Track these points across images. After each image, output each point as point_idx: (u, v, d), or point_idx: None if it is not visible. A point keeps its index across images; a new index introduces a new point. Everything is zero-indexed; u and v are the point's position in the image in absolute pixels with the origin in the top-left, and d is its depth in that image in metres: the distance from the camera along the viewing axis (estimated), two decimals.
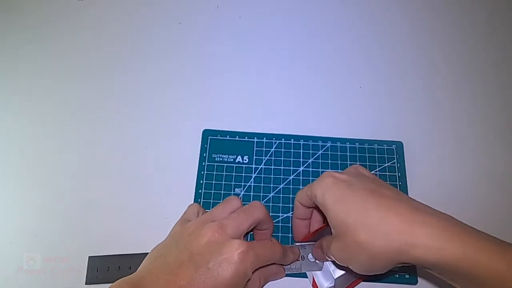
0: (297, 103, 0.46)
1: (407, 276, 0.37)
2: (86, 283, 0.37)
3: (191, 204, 0.36)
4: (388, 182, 0.41)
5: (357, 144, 0.43)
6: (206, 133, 0.44)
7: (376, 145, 0.43)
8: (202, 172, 0.42)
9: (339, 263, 0.31)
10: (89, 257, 0.38)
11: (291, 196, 0.41)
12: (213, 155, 0.43)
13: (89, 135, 0.44)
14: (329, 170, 0.35)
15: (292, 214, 0.38)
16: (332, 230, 0.30)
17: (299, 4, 0.53)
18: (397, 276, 0.37)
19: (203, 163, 0.43)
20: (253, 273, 0.30)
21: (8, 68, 0.48)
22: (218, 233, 0.30)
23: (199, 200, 0.41)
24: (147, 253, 0.32)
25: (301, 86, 0.47)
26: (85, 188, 0.42)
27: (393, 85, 0.48)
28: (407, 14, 0.52)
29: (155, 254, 0.32)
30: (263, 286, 0.35)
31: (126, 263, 0.38)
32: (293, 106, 0.46)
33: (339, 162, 0.43)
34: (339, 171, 0.35)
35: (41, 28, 0.51)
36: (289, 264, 0.35)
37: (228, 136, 0.44)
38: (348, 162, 0.43)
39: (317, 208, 0.33)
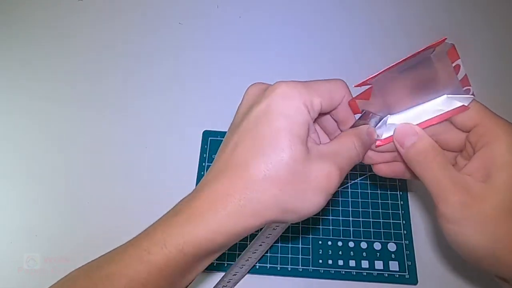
0: None
1: (407, 276, 0.37)
2: None
3: None
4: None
5: None
6: (206, 134, 0.44)
7: None
8: (202, 173, 0.42)
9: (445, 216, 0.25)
10: None
11: None
12: (213, 156, 0.43)
13: (89, 136, 0.44)
14: None
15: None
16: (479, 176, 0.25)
17: (299, 4, 0.53)
18: (397, 276, 0.37)
19: (203, 164, 0.43)
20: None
21: (8, 69, 0.48)
22: None
23: None
24: None
25: None
26: (85, 188, 0.42)
27: None
28: (408, 13, 0.52)
29: None
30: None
31: None
32: None
33: None
34: None
35: (41, 28, 0.50)
36: None
37: None
38: None
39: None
